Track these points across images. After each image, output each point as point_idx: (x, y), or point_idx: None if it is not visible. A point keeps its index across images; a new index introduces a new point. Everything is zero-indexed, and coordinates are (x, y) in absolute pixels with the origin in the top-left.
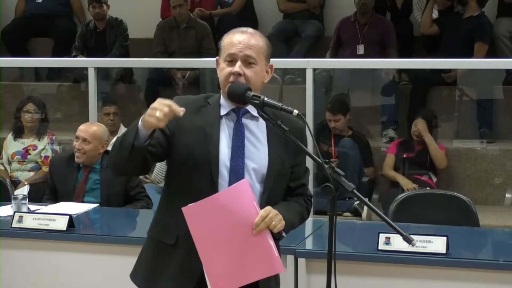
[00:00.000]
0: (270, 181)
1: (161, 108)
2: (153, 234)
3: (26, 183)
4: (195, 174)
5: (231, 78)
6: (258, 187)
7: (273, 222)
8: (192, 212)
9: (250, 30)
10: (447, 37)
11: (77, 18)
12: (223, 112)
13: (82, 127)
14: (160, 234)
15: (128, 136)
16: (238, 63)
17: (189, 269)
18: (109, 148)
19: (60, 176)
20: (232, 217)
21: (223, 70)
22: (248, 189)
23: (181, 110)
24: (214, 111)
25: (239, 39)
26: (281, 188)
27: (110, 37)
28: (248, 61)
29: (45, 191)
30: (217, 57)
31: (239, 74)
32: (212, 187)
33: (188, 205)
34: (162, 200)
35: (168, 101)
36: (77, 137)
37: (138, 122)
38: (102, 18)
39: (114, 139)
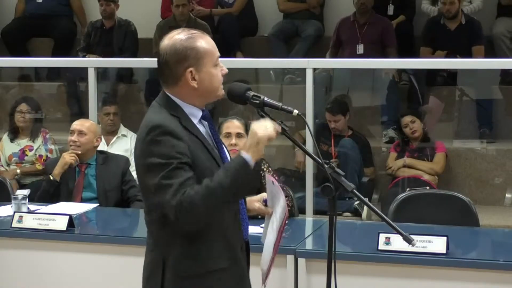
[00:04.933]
0: None
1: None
2: (197, 269)
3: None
4: None
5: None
6: None
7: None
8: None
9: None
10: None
11: (77, 18)
12: (195, 121)
13: (76, 122)
14: (210, 264)
15: (241, 175)
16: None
17: (244, 284)
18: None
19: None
20: (277, 204)
21: (217, 75)
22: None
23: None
24: (189, 122)
25: (211, 41)
26: None
27: (117, 36)
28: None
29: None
30: (191, 69)
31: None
32: None
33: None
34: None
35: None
36: (72, 132)
37: (244, 160)
38: (109, 16)
39: (114, 138)
